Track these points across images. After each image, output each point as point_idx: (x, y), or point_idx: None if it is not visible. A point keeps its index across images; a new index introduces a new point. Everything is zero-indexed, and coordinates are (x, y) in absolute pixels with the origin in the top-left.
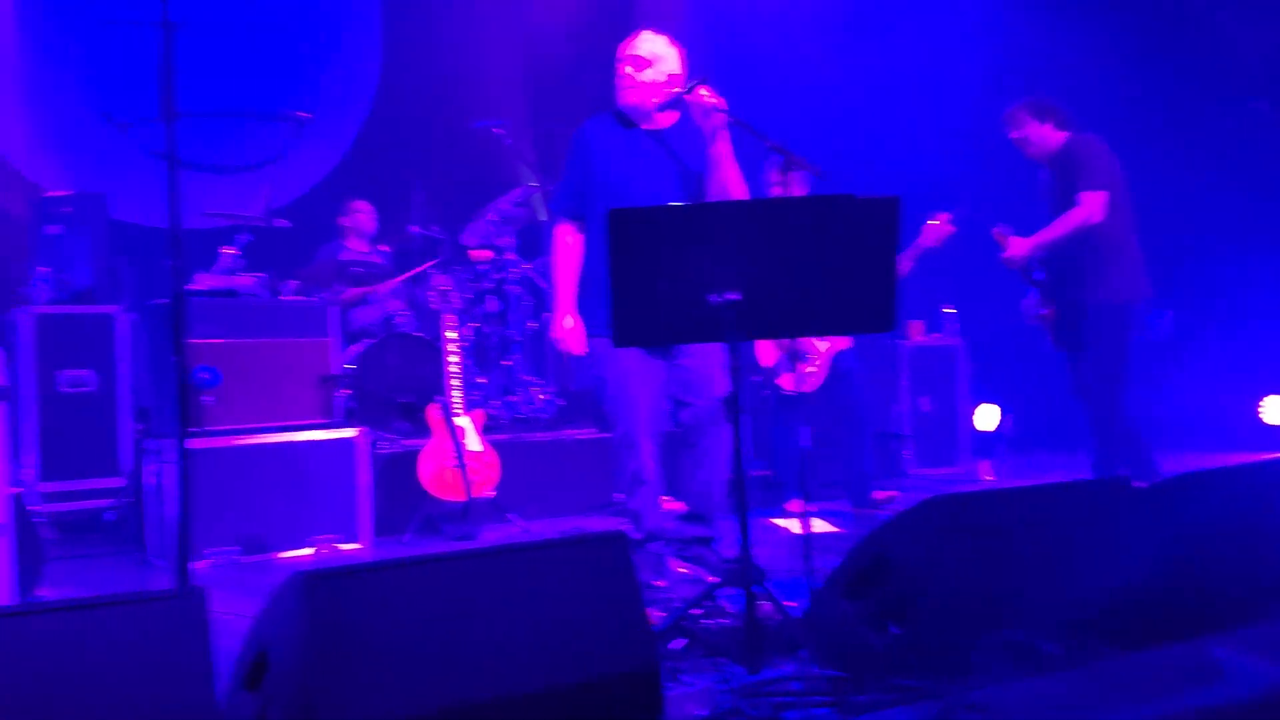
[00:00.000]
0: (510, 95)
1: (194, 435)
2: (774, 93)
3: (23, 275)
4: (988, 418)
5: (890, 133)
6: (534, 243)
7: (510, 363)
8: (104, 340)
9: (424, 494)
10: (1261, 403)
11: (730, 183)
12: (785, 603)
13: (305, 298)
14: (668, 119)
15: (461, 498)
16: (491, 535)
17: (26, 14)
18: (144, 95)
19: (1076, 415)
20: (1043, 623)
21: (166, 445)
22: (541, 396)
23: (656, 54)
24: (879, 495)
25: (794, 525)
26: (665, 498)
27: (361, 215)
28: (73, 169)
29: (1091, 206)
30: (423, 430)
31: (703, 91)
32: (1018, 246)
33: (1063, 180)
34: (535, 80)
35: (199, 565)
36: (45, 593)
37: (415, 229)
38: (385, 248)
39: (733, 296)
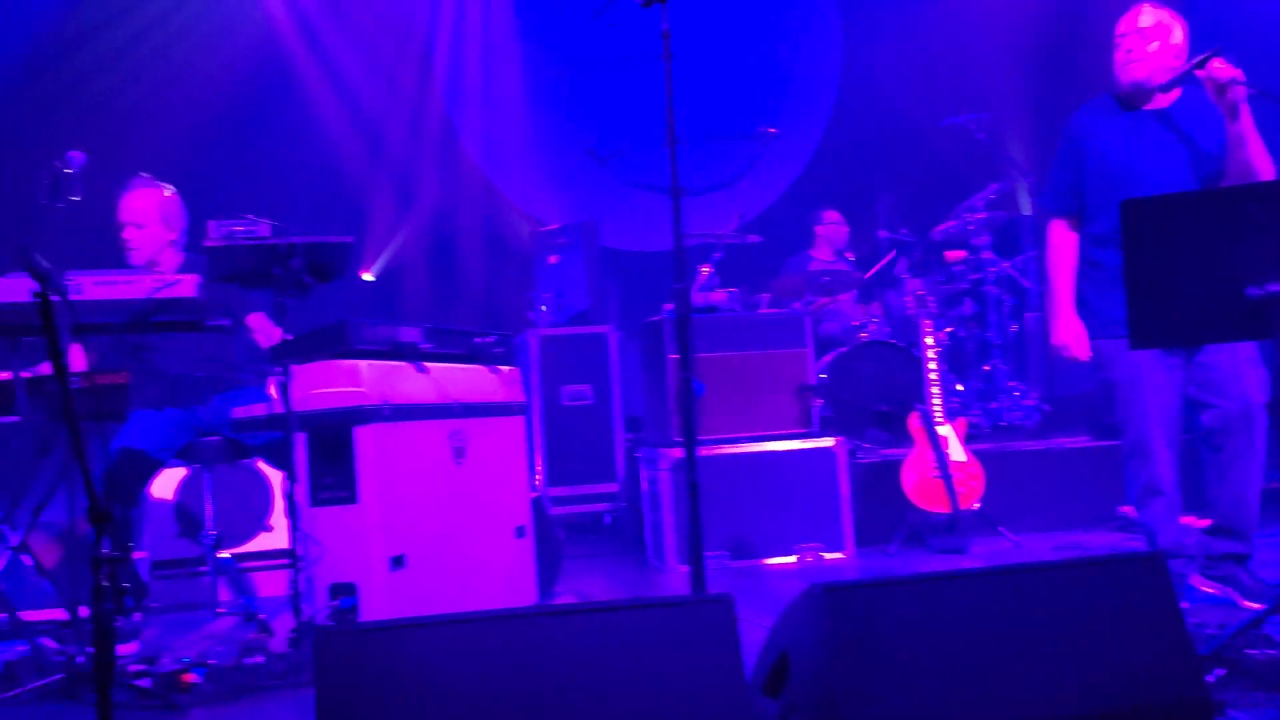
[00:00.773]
0: (984, 87)
1: (680, 445)
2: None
3: (529, 301)
4: None
5: None
6: (1013, 240)
7: (989, 368)
8: (599, 357)
9: (907, 505)
10: None
11: (1257, 161)
12: None
13: (780, 310)
14: (1169, 98)
15: (947, 509)
16: (981, 550)
17: (530, 62)
18: (620, 130)
19: None
20: None
21: (657, 454)
22: (1025, 403)
23: (1162, 26)
24: None
25: None
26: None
27: (832, 225)
28: (565, 202)
29: None
30: (900, 439)
31: (1217, 64)
32: None
33: None
34: (1016, 68)
35: (686, 569)
36: (561, 590)
37: (883, 233)
38: (851, 255)
39: (1277, 288)
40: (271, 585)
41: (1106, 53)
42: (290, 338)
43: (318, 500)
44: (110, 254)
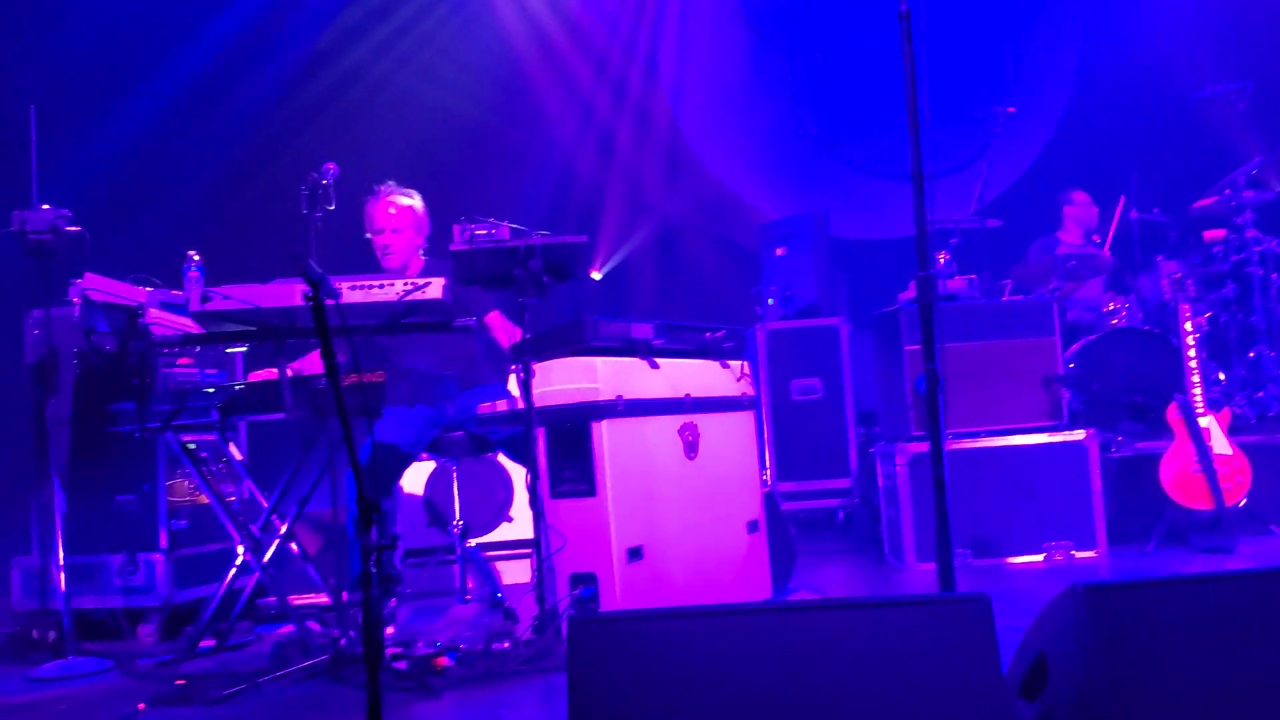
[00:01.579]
0: (1245, 53)
1: (921, 439)
2: None
3: (756, 295)
4: None
5: None
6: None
7: (1254, 354)
8: (830, 350)
9: (1165, 501)
10: None
11: None
12: None
13: (1024, 296)
14: None
15: (1209, 506)
16: (1250, 549)
17: (755, 54)
18: (845, 114)
19: None
20: None
21: (894, 449)
22: None
23: None
24: None
25: None
26: None
27: (1081, 206)
28: (792, 193)
29: None
30: (1156, 431)
31: None
32: None
33: None
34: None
35: (927, 567)
36: (795, 586)
37: (1133, 214)
38: (1098, 238)
39: None
40: (514, 574)
41: None
42: (529, 336)
43: (557, 493)
44: (357, 260)
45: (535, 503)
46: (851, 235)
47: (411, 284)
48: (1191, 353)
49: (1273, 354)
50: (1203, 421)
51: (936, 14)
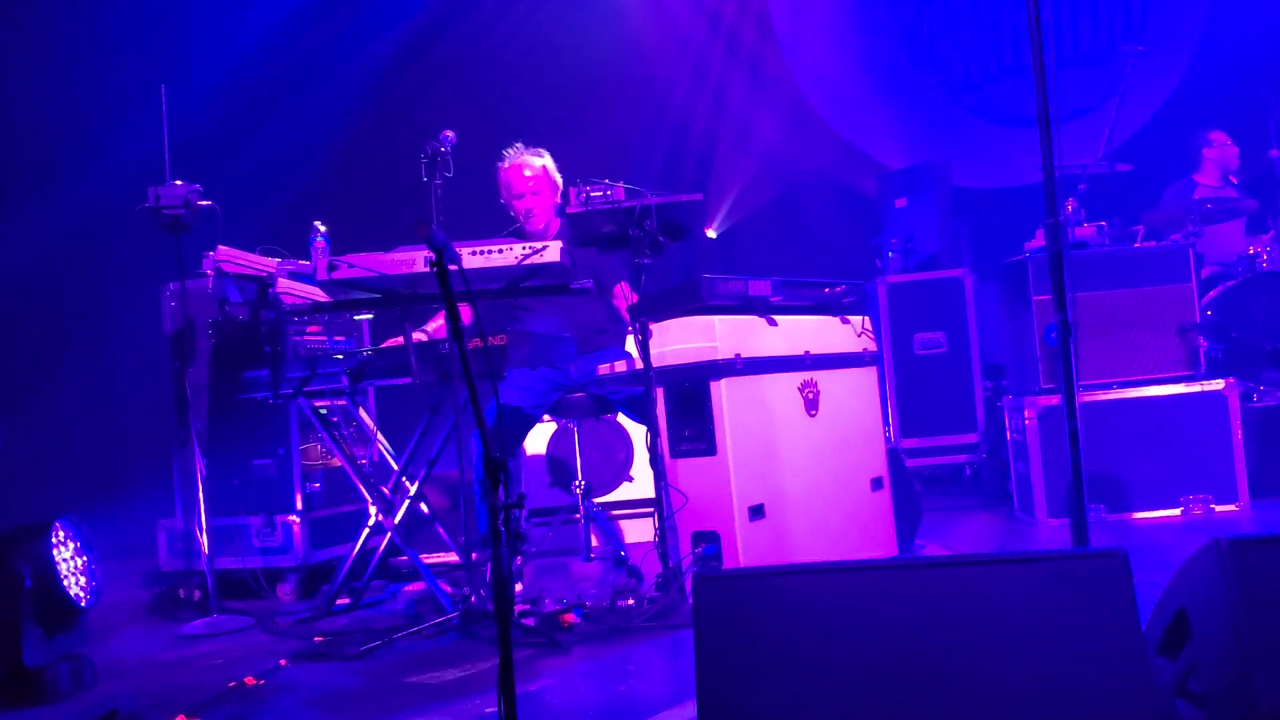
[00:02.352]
0: None
1: (1051, 392)
2: None
3: (876, 248)
4: None
5: None
6: None
7: None
8: (953, 303)
9: None
10: None
11: None
12: None
13: (1157, 243)
14: None
15: None
16: None
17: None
18: (966, 60)
19: None
20: None
21: (1023, 402)
22: None
23: None
24: None
25: None
26: None
27: (1220, 147)
28: (912, 143)
29: None
30: None
31: None
32: None
33: None
34: None
35: (1058, 523)
36: (922, 542)
37: (1275, 152)
38: (1235, 179)
39: None
40: (635, 533)
41: None
42: (646, 296)
43: (678, 452)
44: (477, 224)
45: (656, 462)
46: (973, 184)
47: (530, 248)
48: None
49: None
50: None
51: None
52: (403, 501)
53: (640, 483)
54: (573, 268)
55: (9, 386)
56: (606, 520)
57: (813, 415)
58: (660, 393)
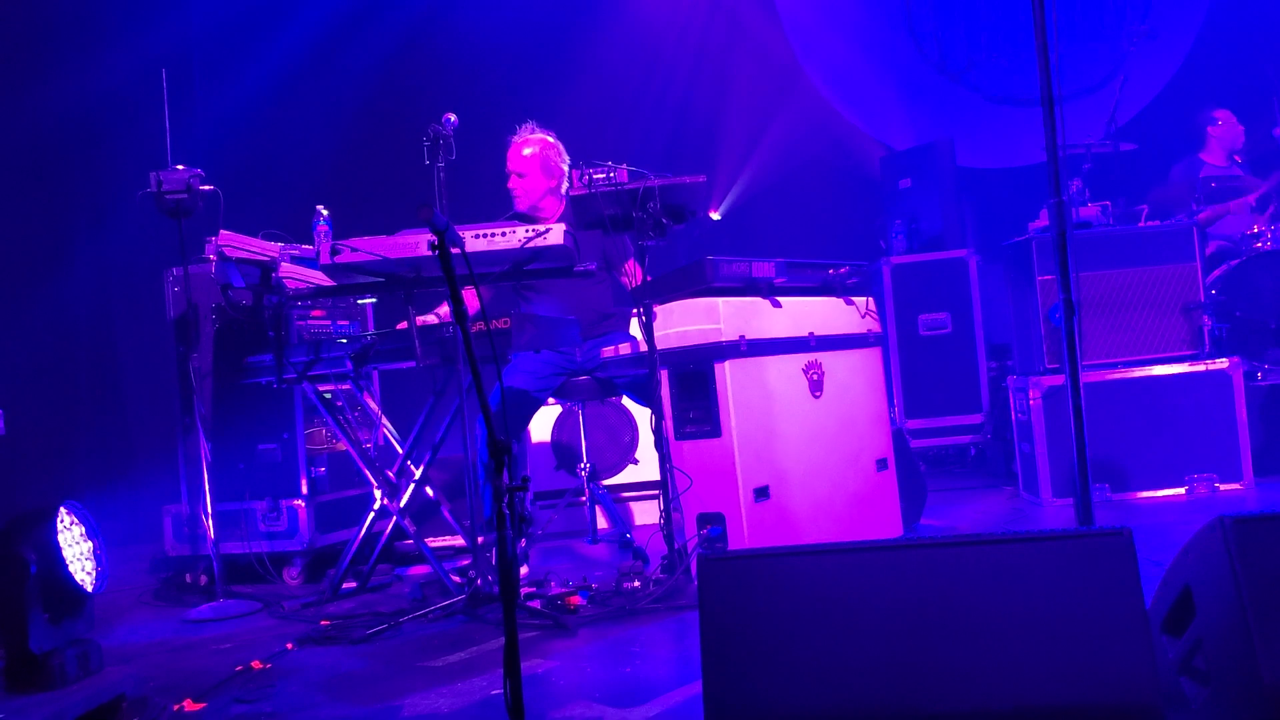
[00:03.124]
0: None
1: (1056, 372)
2: None
3: (880, 228)
4: None
5: None
6: None
7: None
8: (958, 283)
9: None
10: None
11: None
12: None
13: (1160, 222)
14: None
15: None
16: None
17: None
18: (968, 39)
19: None
20: None
21: (1027, 382)
22: None
23: None
24: None
25: None
26: None
27: (1225, 125)
28: (915, 123)
29: None
30: None
31: None
32: None
33: None
34: None
35: (1063, 503)
36: (926, 523)
37: (1278, 131)
38: (1240, 158)
39: None
40: (641, 515)
41: None
42: (650, 279)
43: (682, 434)
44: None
45: (660, 444)
46: (977, 165)
47: (533, 230)
48: None
49: None
50: None
51: None
52: (408, 485)
53: (645, 465)
54: (576, 250)
55: (12, 373)
56: (612, 503)
57: (817, 396)
58: (665, 375)
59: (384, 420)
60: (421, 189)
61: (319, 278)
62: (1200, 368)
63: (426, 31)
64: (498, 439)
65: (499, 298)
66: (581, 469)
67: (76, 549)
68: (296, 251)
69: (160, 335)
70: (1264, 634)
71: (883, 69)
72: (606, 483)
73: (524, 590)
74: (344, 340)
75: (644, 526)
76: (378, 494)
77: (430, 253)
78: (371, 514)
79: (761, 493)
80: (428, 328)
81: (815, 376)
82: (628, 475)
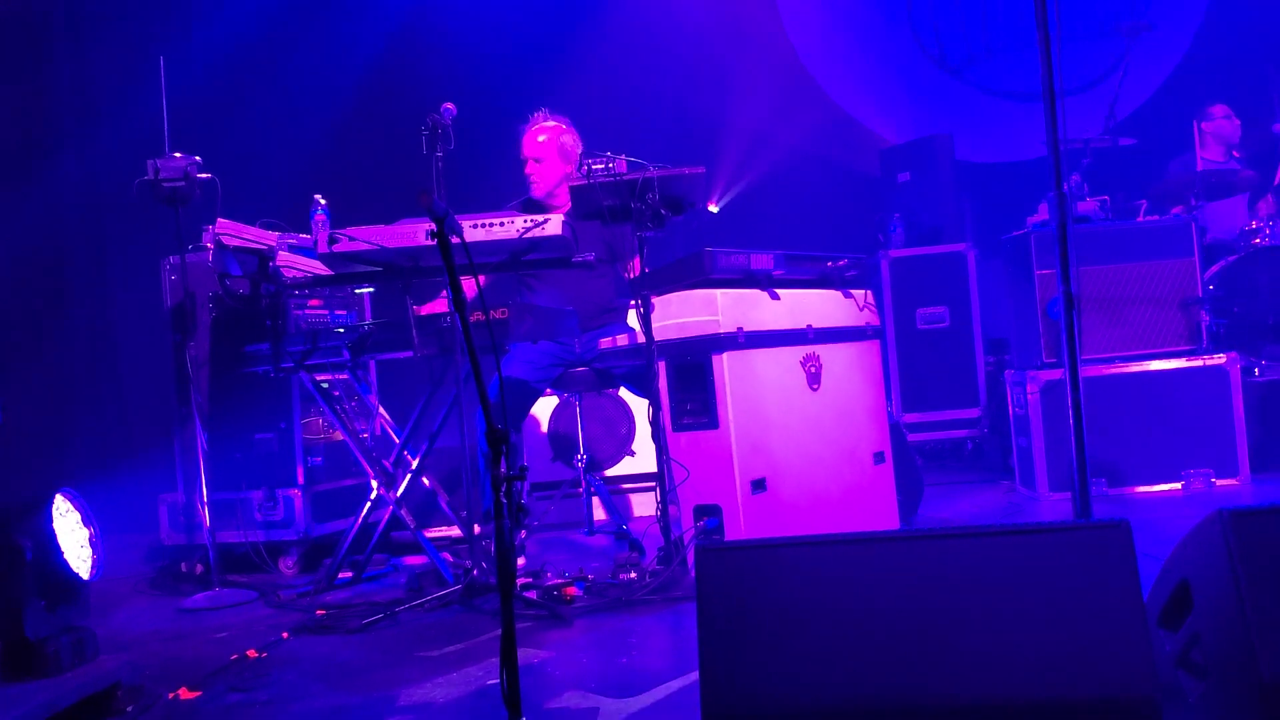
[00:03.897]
0: None
1: (1054, 366)
2: None
3: (879, 222)
4: None
5: None
6: None
7: None
8: (956, 277)
9: None
10: None
11: None
12: None
13: (1159, 217)
14: None
15: None
16: None
17: None
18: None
19: None
20: None
21: (1025, 376)
22: None
23: None
24: None
25: None
26: None
27: (1224, 120)
28: (914, 116)
29: None
30: None
31: None
32: None
33: None
34: None
35: (1060, 497)
36: (923, 517)
37: (1277, 127)
38: (1239, 153)
39: None
40: (638, 507)
41: None
42: (648, 270)
43: (680, 426)
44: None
45: (658, 436)
46: (976, 159)
47: (531, 221)
48: None
49: None
50: None
51: None
52: (405, 475)
53: (642, 457)
54: (575, 241)
55: (9, 361)
56: (608, 494)
57: (815, 389)
58: (662, 366)
59: (381, 410)
60: (419, 179)
61: (317, 267)
62: (1198, 363)
63: (425, 20)
64: (496, 428)
65: (501, 291)
66: (578, 460)
67: (72, 536)
68: (294, 240)
69: (157, 324)
70: (1262, 627)
71: (882, 63)
72: (603, 474)
73: (520, 581)
74: (341, 330)
75: (641, 518)
76: (374, 484)
77: (429, 242)
78: (368, 504)
79: (758, 485)
80: (425, 317)
81: (813, 369)
82: (625, 467)
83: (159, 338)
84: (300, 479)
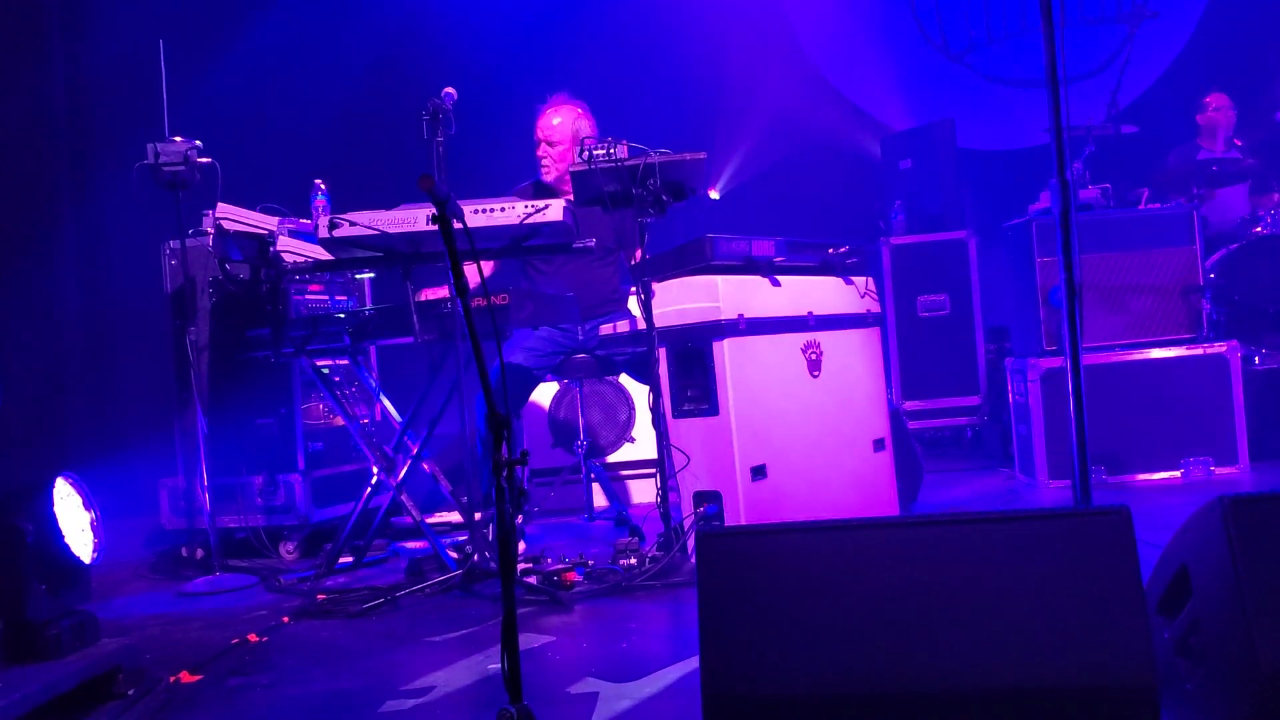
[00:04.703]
0: None
1: (1054, 354)
2: None
3: (880, 209)
4: None
5: None
6: None
7: None
8: (957, 264)
9: None
10: None
11: None
12: None
13: (1160, 205)
14: None
15: None
16: None
17: None
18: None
19: None
20: None
21: (1026, 364)
22: None
23: None
24: None
25: None
26: None
27: (1217, 111)
28: (916, 103)
29: None
30: None
31: None
32: None
33: None
34: None
35: (1059, 484)
36: (922, 504)
37: (1278, 115)
38: (1240, 141)
39: None
40: (638, 493)
41: None
42: (649, 256)
43: (680, 412)
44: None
45: (658, 422)
46: (978, 146)
47: (532, 206)
48: None
49: None
50: None
51: None
52: (405, 460)
53: (643, 443)
54: (576, 227)
55: (8, 345)
56: (609, 480)
57: (815, 376)
58: (663, 353)
59: (381, 395)
60: (420, 164)
61: (317, 252)
62: (1198, 351)
63: (428, 5)
64: (498, 413)
65: (501, 279)
66: (579, 446)
67: (74, 520)
68: (294, 225)
69: (157, 309)
70: (1260, 615)
71: (884, 49)
72: (603, 460)
73: (521, 566)
74: (342, 315)
75: (641, 504)
76: (374, 469)
77: (429, 226)
78: (369, 489)
79: (758, 471)
80: (426, 303)
81: (814, 356)
82: (625, 453)
83: (159, 323)
84: (301, 464)
